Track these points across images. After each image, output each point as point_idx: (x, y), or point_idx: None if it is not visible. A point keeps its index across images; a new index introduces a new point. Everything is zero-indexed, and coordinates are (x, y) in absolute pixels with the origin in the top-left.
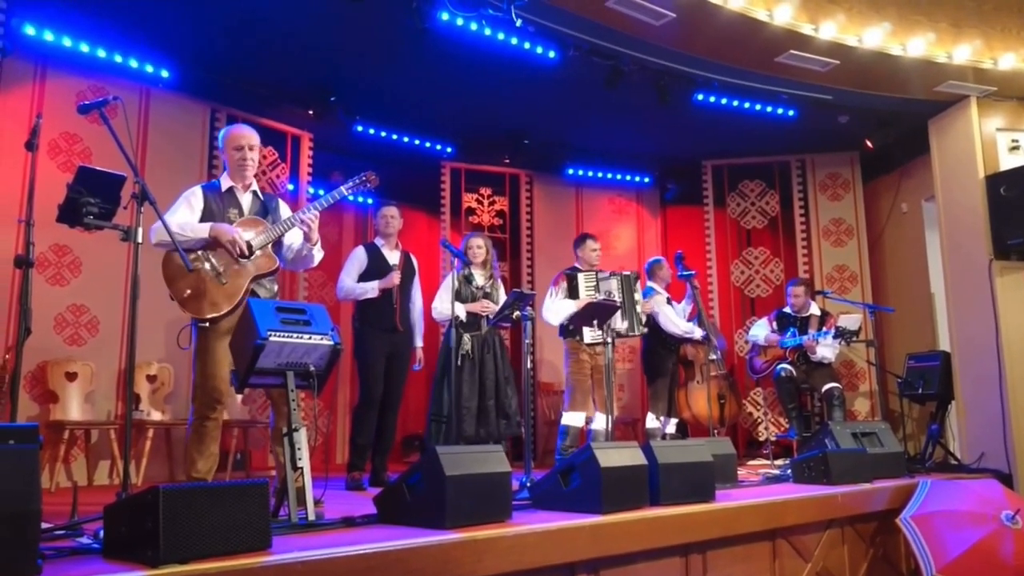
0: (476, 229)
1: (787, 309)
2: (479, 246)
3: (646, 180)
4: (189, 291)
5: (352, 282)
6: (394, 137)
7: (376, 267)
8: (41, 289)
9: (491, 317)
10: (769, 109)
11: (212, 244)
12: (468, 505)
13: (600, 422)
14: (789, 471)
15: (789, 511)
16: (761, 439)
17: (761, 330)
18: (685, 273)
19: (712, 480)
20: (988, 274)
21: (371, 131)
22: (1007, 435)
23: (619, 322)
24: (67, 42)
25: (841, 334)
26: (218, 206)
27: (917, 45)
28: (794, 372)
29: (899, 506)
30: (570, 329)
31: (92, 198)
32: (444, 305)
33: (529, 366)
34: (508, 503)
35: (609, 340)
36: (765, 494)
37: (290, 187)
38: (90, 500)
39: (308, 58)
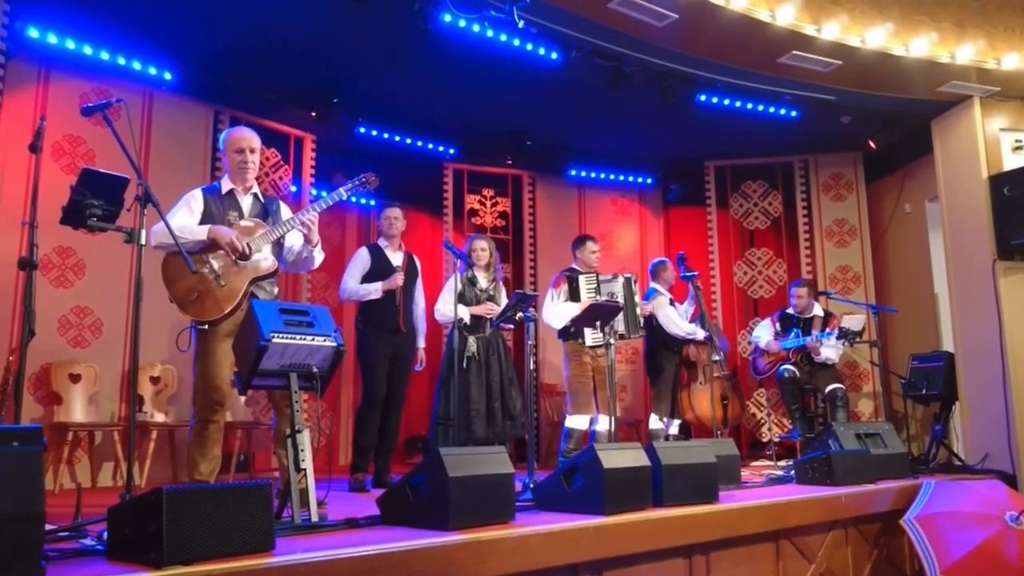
0: (479, 230)
1: (790, 310)
2: (483, 248)
3: (649, 181)
4: (188, 293)
5: (355, 283)
6: (397, 139)
7: (379, 268)
8: (45, 291)
9: (494, 319)
10: (772, 110)
11: (212, 246)
12: (471, 506)
13: (603, 424)
14: (793, 472)
15: (793, 512)
16: (764, 440)
17: (764, 331)
18: (688, 274)
19: (715, 481)
20: (992, 274)
21: (374, 133)
22: (1011, 436)
23: (619, 324)
24: (71, 45)
25: (844, 335)
26: (218, 209)
27: (920, 45)
28: (797, 373)
29: (903, 507)
30: (571, 331)
31: (96, 200)
32: (447, 307)
33: (532, 367)
34: (511, 504)
35: (611, 342)
36: (769, 495)
37: (293, 189)
38: (94, 502)
39: (311, 60)
